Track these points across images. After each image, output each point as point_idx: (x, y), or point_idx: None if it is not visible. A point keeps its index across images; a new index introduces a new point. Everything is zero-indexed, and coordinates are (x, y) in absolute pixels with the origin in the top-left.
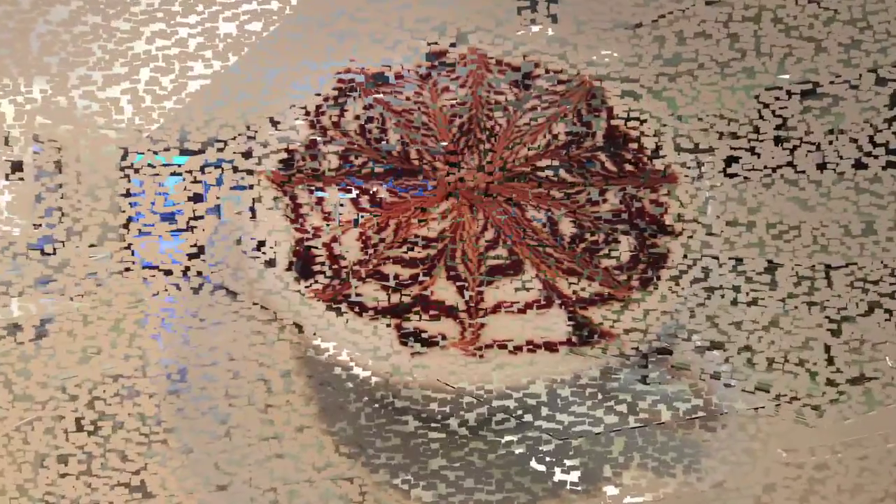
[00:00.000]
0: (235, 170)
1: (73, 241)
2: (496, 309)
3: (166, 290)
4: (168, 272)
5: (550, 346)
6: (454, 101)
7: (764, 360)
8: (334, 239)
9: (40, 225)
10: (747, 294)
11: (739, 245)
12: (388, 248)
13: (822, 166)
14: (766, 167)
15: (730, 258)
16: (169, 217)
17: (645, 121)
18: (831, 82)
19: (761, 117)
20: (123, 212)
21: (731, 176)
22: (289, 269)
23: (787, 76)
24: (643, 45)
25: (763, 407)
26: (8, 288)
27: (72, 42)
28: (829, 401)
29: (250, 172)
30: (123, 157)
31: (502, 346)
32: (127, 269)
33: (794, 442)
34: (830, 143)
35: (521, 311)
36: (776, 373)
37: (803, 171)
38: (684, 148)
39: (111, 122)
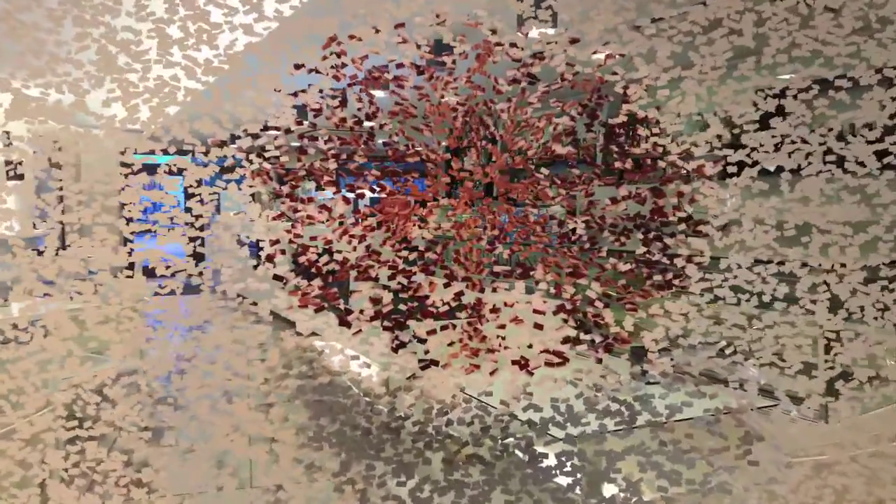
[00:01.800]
0: (229, 169)
1: (72, 241)
2: (497, 311)
3: (165, 289)
4: (166, 272)
5: (560, 356)
6: (455, 94)
7: (771, 360)
8: (328, 240)
9: (41, 225)
10: (765, 296)
11: (760, 245)
12: (382, 247)
13: (840, 164)
14: (785, 166)
15: (756, 260)
16: (166, 217)
17: (648, 114)
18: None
19: (768, 113)
20: (121, 212)
21: (738, 169)
22: (277, 269)
23: (788, 75)
24: (656, 40)
25: (772, 408)
26: (6, 288)
27: (66, 40)
28: (834, 401)
29: (243, 171)
30: (121, 158)
31: (515, 362)
32: (125, 269)
33: (801, 443)
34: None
35: (538, 326)
36: (783, 374)
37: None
38: (698, 145)
39: (109, 123)
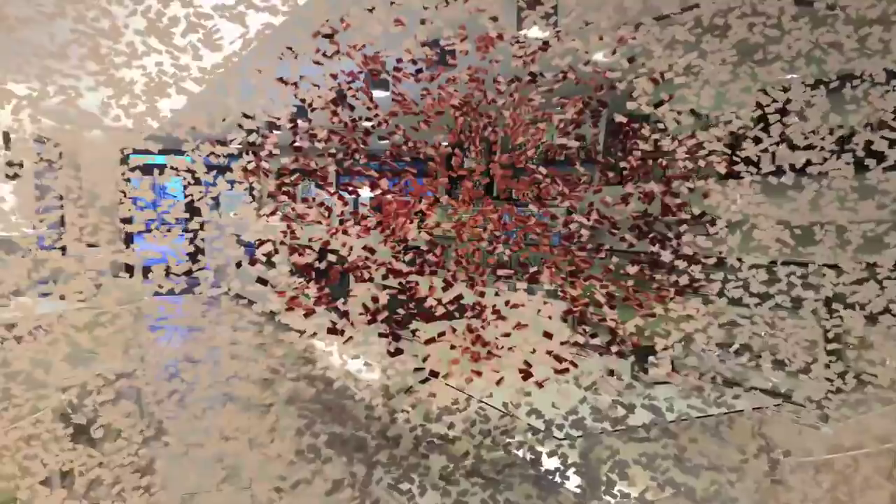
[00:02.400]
0: (226, 170)
1: (72, 242)
2: (498, 313)
3: (164, 289)
4: (166, 272)
5: (567, 361)
6: (455, 90)
7: (776, 360)
8: (325, 241)
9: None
10: (778, 297)
11: (773, 245)
12: (381, 247)
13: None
14: (794, 165)
15: (771, 262)
16: (166, 216)
17: (654, 111)
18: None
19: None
20: (121, 211)
21: (746, 166)
22: (270, 268)
23: (794, 75)
24: (661, 35)
25: (771, 408)
26: (6, 288)
27: (63, 40)
28: (835, 402)
29: (243, 171)
30: (122, 158)
31: (521, 371)
32: (125, 269)
33: (801, 444)
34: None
35: (547, 335)
36: (787, 374)
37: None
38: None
39: (109, 122)
